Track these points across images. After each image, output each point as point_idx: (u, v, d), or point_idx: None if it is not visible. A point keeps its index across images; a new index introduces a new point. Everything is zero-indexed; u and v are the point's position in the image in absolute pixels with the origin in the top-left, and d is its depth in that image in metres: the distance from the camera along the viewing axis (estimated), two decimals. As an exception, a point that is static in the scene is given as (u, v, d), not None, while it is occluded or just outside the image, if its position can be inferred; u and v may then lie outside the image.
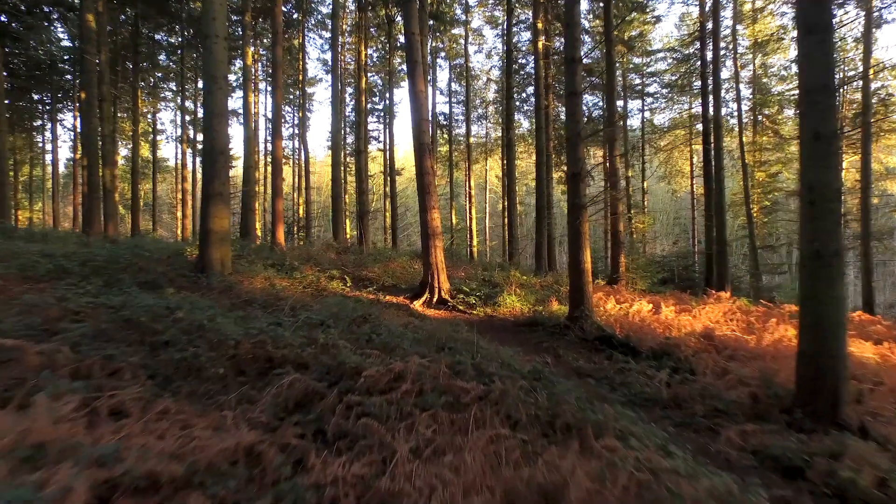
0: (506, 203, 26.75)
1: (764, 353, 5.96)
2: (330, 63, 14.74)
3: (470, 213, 23.95)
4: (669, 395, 4.81)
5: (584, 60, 19.25)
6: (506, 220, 27.86)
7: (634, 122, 27.78)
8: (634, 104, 26.69)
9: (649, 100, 25.65)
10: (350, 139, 24.18)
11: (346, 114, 25.32)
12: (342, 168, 25.36)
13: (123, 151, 31.81)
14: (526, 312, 7.65)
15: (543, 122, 14.39)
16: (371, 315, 5.93)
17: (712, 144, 13.91)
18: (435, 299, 7.96)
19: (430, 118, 26.07)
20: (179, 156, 27.03)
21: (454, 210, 26.86)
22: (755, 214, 19.92)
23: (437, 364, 3.78)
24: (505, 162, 25.13)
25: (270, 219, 13.84)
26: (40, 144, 31.27)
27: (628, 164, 24.89)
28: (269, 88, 31.17)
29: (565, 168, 21.74)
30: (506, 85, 19.27)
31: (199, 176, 23.02)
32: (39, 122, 28.92)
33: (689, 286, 13.58)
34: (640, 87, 25.44)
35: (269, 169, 29.01)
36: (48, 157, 32.25)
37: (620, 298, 8.39)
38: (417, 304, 7.79)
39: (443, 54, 26.58)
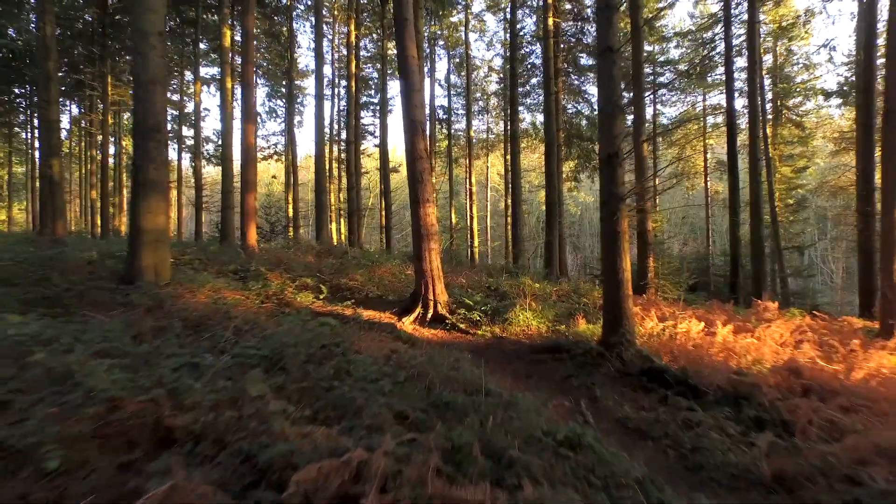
0: (509, 201, 25.16)
1: (874, 395, 4.38)
2: (314, 44, 13.14)
3: (471, 211, 22.39)
4: (772, 471, 3.22)
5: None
6: (508, 218, 26.28)
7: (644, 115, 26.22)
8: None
9: (661, 91, 24.06)
10: (344, 134, 22.61)
11: (341, 108, 23.78)
12: (333, 162, 23.88)
13: (111, 148, 30.31)
14: (544, 332, 6.07)
15: (553, 108, 12.82)
16: (341, 344, 4.35)
17: (746, 133, 12.36)
18: (429, 315, 6.37)
19: (426, 104, 24.54)
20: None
21: (454, 209, 25.29)
22: (779, 212, 18.35)
23: (425, 449, 2.24)
24: (508, 157, 23.59)
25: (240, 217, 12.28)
26: (27, 139, 29.78)
27: (656, 154, 23.31)
28: (262, 82, 29.73)
29: (573, 163, 20.27)
30: (510, 72, 17.71)
31: (194, 174, 21.47)
32: (23, 118, 27.47)
33: (719, 293, 12.02)
34: (651, 76, 23.85)
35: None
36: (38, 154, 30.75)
37: (659, 312, 6.82)
38: (407, 323, 6.21)
39: (441, 43, 25.03)
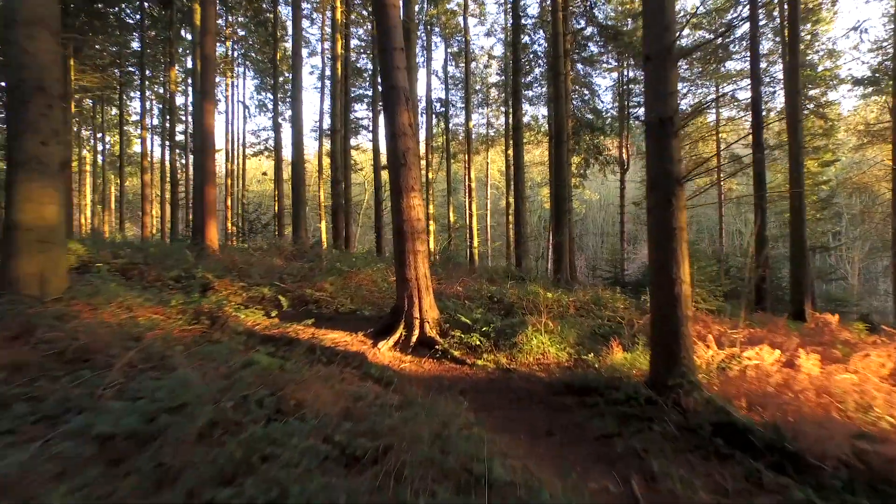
0: (510, 198, 23.60)
1: None
2: (291, 17, 11.62)
3: (470, 209, 20.90)
4: None
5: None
6: (510, 217, 24.74)
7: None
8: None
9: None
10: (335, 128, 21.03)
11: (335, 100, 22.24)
12: (325, 157, 22.34)
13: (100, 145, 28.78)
14: (565, 362, 4.57)
15: (563, 90, 11.33)
16: (275, 393, 2.89)
17: (779, 119, 10.86)
18: (414, 338, 4.87)
19: (422, 97, 22.89)
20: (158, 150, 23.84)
21: (452, 207, 23.79)
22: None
23: None
24: (510, 152, 22.11)
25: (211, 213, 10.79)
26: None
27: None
28: (252, 74, 28.19)
29: (578, 158, 18.75)
30: (512, 58, 16.25)
31: (192, 169, 19.90)
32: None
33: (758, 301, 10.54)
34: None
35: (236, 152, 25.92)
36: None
37: (710, 331, 5.31)
38: (384, 349, 4.71)
39: (438, 31, 23.51)
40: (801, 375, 4.20)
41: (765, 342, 5.02)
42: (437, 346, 4.77)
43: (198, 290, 5.74)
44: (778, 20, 15.56)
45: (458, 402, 3.48)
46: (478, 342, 4.76)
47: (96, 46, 15.50)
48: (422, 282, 4.99)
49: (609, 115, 21.12)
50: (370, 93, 23.67)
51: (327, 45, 21.58)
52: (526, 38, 20.60)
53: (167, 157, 21.64)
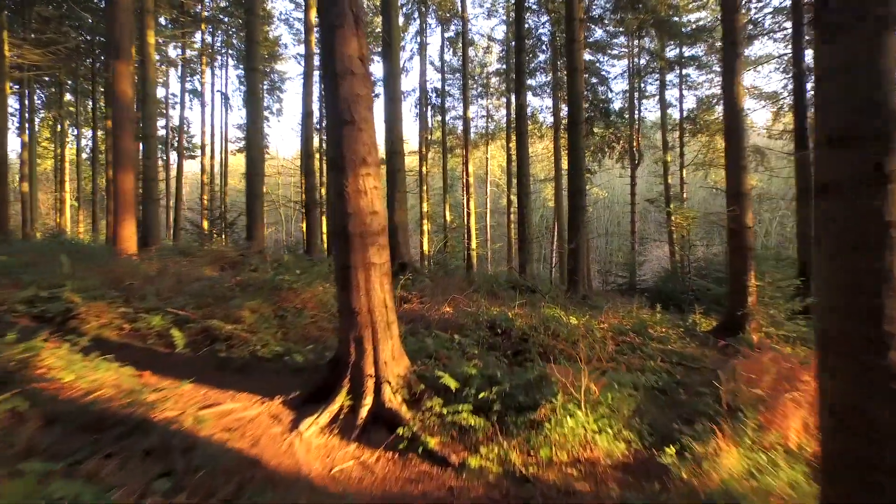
0: (512, 196, 21.53)
1: None
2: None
3: (468, 207, 18.94)
4: None
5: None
6: (512, 216, 22.74)
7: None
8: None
9: (690, 69, 20.58)
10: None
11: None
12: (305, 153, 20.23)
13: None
14: (621, 458, 2.61)
15: (579, 63, 9.36)
16: None
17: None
18: (365, 411, 2.90)
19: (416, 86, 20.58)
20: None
21: (448, 205, 21.82)
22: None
23: None
24: (511, 145, 20.14)
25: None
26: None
27: (682, 142, 19.98)
28: (234, 63, 26.15)
29: (586, 153, 16.64)
30: (515, 35, 14.32)
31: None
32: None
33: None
34: (675, 48, 20.30)
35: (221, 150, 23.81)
36: None
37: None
38: (310, 433, 2.73)
39: (433, 12, 21.51)
40: None
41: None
42: (402, 425, 2.80)
43: (49, 322, 3.78)
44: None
45: None
46: (471, 422, 2.78)
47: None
48: (378, 315, 3.02)
49: (622, 101, 19.22)
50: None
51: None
52: (531, 21, 18.71)
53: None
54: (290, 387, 3.21)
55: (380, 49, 13.10)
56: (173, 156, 23.02)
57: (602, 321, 5.41)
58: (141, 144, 11.09)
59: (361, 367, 2.99)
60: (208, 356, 3.66)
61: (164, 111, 22.69)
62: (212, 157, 24.35)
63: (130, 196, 6.30)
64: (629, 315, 6.11)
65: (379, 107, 8.91)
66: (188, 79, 23.73)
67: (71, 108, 23.69)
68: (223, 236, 12.72)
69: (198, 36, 22.18)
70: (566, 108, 19.63)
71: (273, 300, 4.52)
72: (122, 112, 6.22)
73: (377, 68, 19.45)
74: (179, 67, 19.70)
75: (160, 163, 19.16)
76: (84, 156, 27.18)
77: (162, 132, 22.96)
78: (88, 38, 15.95)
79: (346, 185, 3.02)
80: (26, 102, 18.51)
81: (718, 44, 18.93)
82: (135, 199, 6.61)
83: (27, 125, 18.19)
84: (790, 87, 13.71)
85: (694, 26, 17.80)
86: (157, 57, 20.49)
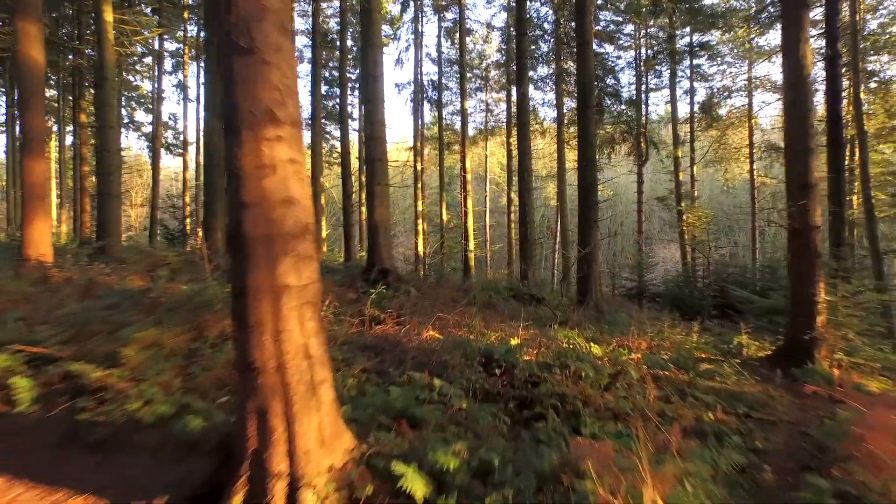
0: (512, 194, 20.25)
1: None
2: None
3: (465, 206, 17.71)
4: None
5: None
6: (511, 215, 21.52)
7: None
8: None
9: (702, 59, 19.34)
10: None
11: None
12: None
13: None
14: None
15: (590, 37, 8.14)
16: None
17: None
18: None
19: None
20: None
21: (445, 204, 20.59)
22: (875, 202, 13.59)
23: None
24: (512, 140, 18.89)
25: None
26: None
27: (693, 137, 18.73)
28: (204, 66, 24.96)
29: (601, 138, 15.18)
30: (517, 17, 13.11)
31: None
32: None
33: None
34: (687, 47, 19.07)
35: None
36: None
37: None
38: None
39: (429, 1, 20.26)
40: None
41: None
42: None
43: None
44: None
45: None
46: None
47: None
48: (294, 372, 1.79)
49: (628, 95, 18.00)
50: (354, 75, 20.52)
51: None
52: (532, 13, 17.48)
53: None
54: (162, 482, 1.99)
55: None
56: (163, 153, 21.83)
57: (631, 346, 4.19)
58: (98, 136, 9.89)
59: (265, 461, 1.77)
60: (63, 419, 2.44)
61: (152, 106, 21.45)
62: (197, 153, 23.10)
63: (40, 189, 5.07)
64: (660, 334, 4.90)
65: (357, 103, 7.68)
66: (173, 72, 22.57)
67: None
68: (197, 238, 11.49)
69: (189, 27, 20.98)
70: (569, 103, 18.53)
71: (190, 325, 3.30)
72: (28, 82, 4.97)
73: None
74: (152, 58, 18.38)
75: (147, 161, 17.99)
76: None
77: (148, 128, 21.82)
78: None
79: (241, 157, 1.80)
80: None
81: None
82: (46, 191, 5.40)
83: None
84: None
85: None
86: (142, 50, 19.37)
